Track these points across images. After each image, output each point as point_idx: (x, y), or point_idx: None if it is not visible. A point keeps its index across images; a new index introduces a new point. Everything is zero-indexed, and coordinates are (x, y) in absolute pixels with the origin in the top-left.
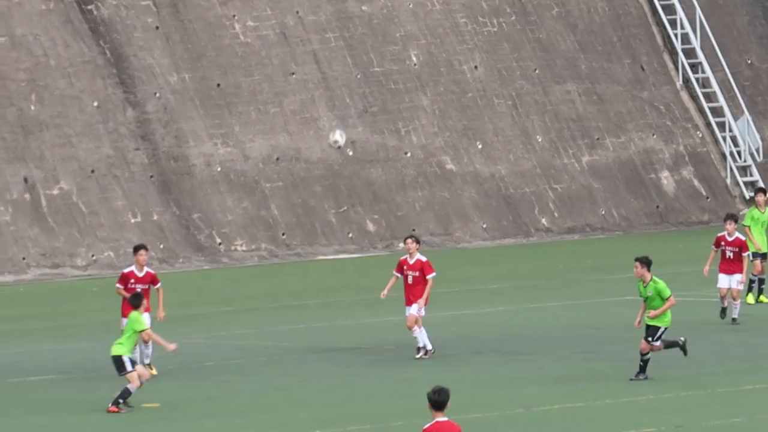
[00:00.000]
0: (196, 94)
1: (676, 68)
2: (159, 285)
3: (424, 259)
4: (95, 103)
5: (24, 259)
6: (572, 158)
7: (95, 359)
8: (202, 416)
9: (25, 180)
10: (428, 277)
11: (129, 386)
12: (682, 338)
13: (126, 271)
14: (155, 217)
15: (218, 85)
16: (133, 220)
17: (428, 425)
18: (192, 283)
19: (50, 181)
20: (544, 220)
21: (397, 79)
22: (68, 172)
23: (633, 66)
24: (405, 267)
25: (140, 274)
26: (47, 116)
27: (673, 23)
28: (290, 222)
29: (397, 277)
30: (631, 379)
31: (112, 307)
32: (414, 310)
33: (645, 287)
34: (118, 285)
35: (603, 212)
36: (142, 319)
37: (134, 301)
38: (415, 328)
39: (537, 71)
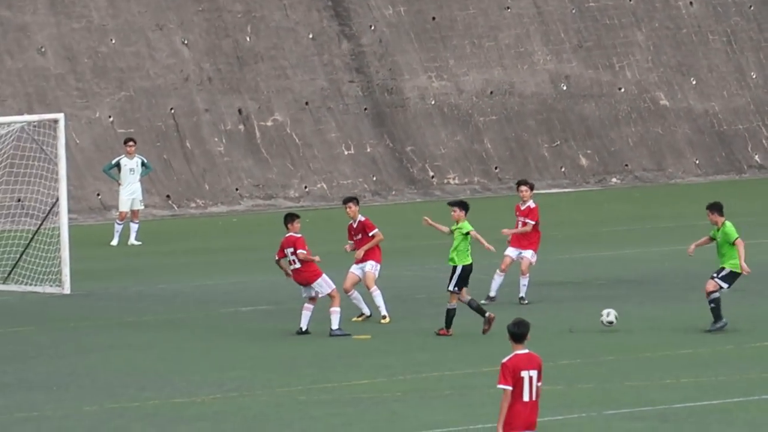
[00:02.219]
0: (411, 28)
1: None
2: (373, 231)
3: (532, 205)
4: (310, 35)
5: (237, 190)
6: None
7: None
8: (414, 349)
9: (240, 111)
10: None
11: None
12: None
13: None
14: (368, 150)
15: (433, 18)
16: (346, 153)
17: (508, 357)
18: (405, 215)
19: (264, 112)
20: (757, 157)
21: (612, 15)
22: (282, 104)
23: None
24: (517, 213)
25: (355, 225)
26: (262, 48)
27: None
28: (503, 156)
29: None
30: (708, 331)
31: (326, 238)
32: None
33: (717, 231)
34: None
35: None
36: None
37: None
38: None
39: (752, 8)
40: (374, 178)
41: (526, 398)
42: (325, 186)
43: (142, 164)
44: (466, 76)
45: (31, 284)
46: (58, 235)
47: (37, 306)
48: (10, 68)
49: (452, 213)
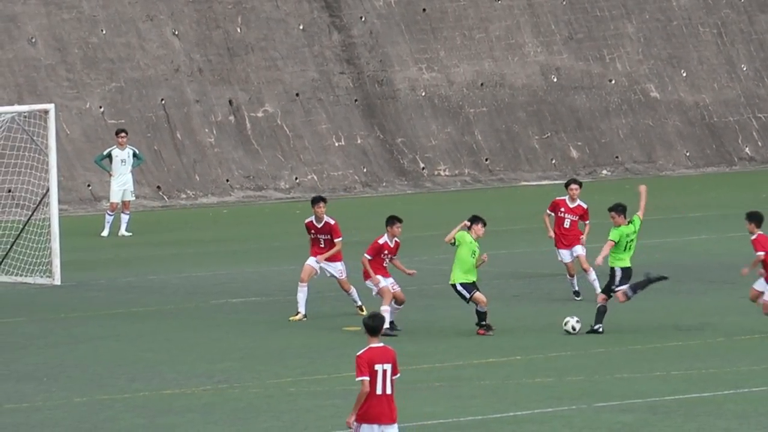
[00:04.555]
0: (402, 19)
1: None
2: (338, 239)
3: (584, 205)
4: (301, 26)
5: (228, 181)
6: None
7: (297, 282)
8: (404, 341)
9: (230, 102)
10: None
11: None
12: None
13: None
14: (359, 141)
15: (424, 9)
16: (336, 144)
17: (363, 350)
18: (395, 207)
19: (255, 103)
20: (747, 149)
21: (603, 6)
22: (273, 95)
23: None
24: (562, 210)
25: (319, 225)
26: (253, 39)
27: None
28: (494, 147)
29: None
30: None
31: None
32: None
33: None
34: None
35: None
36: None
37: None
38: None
39: (742, 0)
40: (365, 170)
41: (379, 391)
42: (315, 177)
43: (134, 155)
44: (457, 67)
45: (21, 275)
46: (49, 226)
47: (27, 297)
48: (0, 59)
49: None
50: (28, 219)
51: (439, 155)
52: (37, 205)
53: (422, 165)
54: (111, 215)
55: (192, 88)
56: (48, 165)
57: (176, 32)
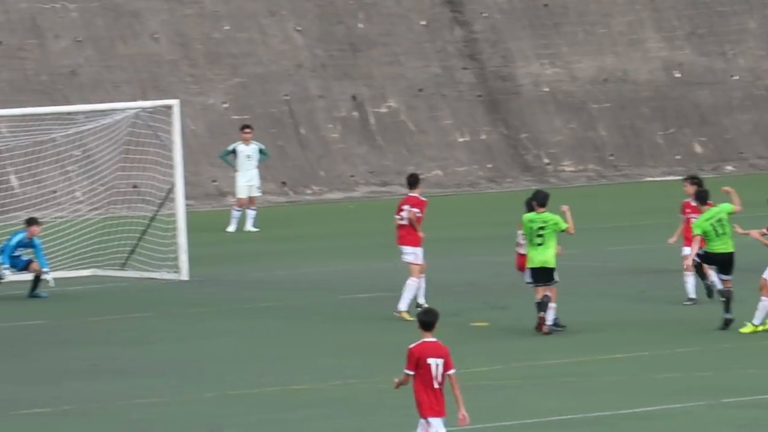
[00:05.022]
0: (524, 14)
1: None
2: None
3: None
4: (423, 22)
5: (353, 176)
6: None
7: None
8: (531, 336)
9: (354, 98)
10: None
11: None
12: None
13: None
14: (483, 137)
15: (545, 5)
16: (460, 139)
17: (415, 344)
18: (519, 203)
19: (378, 99)
20: None
21: (725, 2)
22: (396, 90)
23: None
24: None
25: None
26: (375, 34)
27: None
28: (618, 143)
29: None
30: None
31: (434, 225)
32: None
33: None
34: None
35: None
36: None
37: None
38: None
39: None
40: (489, 166)
41: (436, 386)
42: (440, 173)
43: (259, 151)
44: (579, 63)
45: (148, 270)
46: (175, 222)
47: (155, 292)
48: (124, 54)
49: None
50: (154, 215)
51: (563, 151)
52: (163, 201)
53: (546, 160)
54: (238, 211)
55: (315, 83)
56: (173, 161)
57: (299, 28)
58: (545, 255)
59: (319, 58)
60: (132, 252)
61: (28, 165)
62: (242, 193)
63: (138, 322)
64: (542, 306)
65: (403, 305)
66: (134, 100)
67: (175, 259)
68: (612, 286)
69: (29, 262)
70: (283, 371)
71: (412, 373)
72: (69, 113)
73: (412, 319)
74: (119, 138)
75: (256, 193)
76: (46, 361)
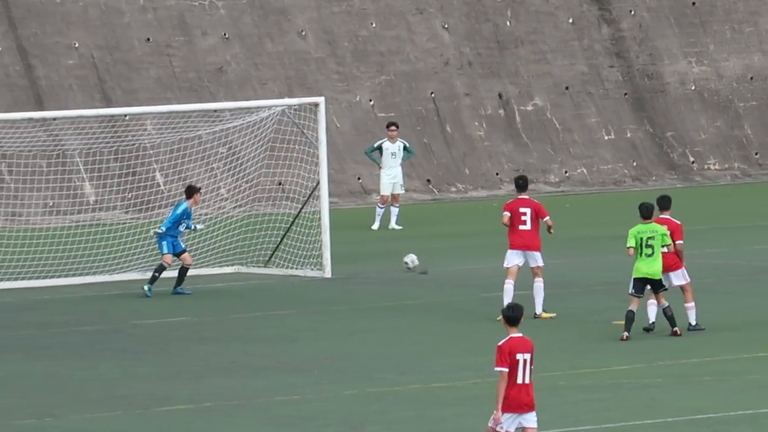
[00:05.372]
0: (671, 12)
1: None
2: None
3: None
4: (570, 20)
5: (497, 174)
6: None
7: (564, 275)
8: (672, 335)
9: (500, 96)
10: None
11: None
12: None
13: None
14: (628, 135)
15: (693, 3)
16: (606, 138)
17: (504, 340)
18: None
19: (524, 97)
20: None
21: None
22: (542, 88)
23: None
24: None
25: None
26: (522, 32)
27: None
28: (763, 141)
29: None
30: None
31: (586, 223)
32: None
33: None
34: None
35: None
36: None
37: None
38: None
39: None
40: (634, 164)
41: (520, 381)
42: (585, 171)
43: (404, 148)
44: (726, 61)
45: (292, 268)
46: (319, 219)
47: (298, 289)
48: (271, 52)
49: None
50: (299, 212)
51: (708, 149)
52: (308, 198)
53: (692, 159)
54: (382, 208)
55: (461, 81)
56: (318, 158)
57: (446, 25)
58: (654, 266)
59: (465, 55)
60: (276, 249)
61: (174, 162)
62: (386, 190)
63: (279, 320)
64: (671, 320)
65: (538, 308)
66: (280, 97)
67: (319, 256)
68: (756, 285)
69: (184, 251)
70: (423, 369)
71: (506, 370)
72: (215, 110)
73: (552, 315)
74: (265, 135)
75: (400, 191)
76: (186, 357)
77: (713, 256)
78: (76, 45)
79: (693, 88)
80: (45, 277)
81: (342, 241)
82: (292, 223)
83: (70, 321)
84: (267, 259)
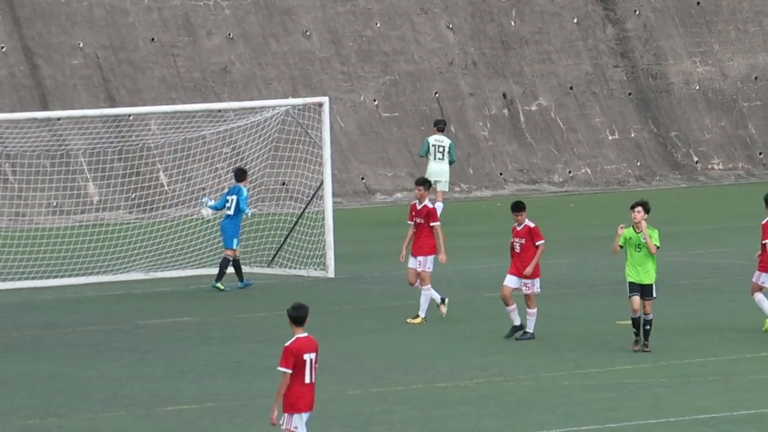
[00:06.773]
0: (676, 12)
1: None
2: (435, 224)
3: None
4: (575, 20)
5: (501, 174)
6: None
7: (572, 275)
8: (677, 335)
9: (504, 95)
10: None
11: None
12: None
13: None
14: (633, 135)
15: (698, 3)
16: (610, 138)
17: (290, 341)
18: (669, 200)
19: (529, 97)
20: None
21: None
22: (547, 88)
23: None
24: None
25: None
26: (527, 32)
27: None
28: None
29: None
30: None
31: (590, 223)
32: None
33: None
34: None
35: None
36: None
37: None
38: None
39: None
40: (638, 163)
41: (307, 380)
42: (589, 171)
43: (448, 149)
44: (731, 61)
45: (295, 268)
46: (323, 219)
47: (301, 289)
48: (276, 51)
49: None
50: (302, 212)
51: (712, 149)
52: (311, 198)
53: (696, 159)
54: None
55: (466, 81)
56: (322, 158)
57: (450, 25)
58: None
59: (470, 55)
60: (279, 249)
61: (178, 162)
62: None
63: (283, 320)
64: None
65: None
66: (285, 97)
67: (322, 256)
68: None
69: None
70: (428, 368)
71: (290, 371)
72: (219, 110)
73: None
74: (269, 135)
75: (443, 188)
76: (191, 357)
77: (717, 256)
78: (81, 45)
79: (697, 87)
80: (49, 277)
81: (346, 241)
82: (296, 223)
83: (74, 321)
84: (270, 259)
